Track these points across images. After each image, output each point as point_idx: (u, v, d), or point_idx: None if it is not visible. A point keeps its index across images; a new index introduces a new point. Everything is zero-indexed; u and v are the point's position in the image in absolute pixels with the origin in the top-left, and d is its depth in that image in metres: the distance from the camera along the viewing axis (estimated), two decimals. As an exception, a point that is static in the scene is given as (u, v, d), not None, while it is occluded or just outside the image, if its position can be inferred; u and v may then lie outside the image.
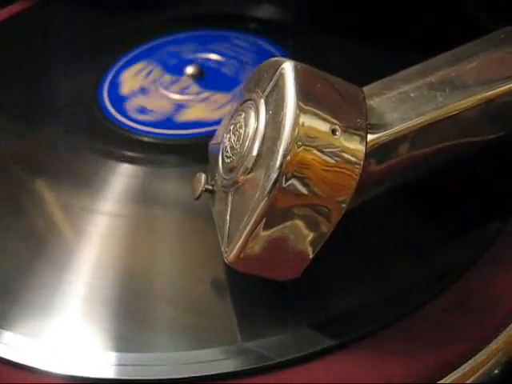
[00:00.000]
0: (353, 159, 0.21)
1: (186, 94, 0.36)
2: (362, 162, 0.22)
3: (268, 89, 0.23)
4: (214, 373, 0.22)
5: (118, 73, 0.38)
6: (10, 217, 0.30)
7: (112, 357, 0.23)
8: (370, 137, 0.22)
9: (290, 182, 0.21)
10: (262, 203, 0.21)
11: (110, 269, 0.27)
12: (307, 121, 0.21)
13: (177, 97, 0.35)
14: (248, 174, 0.22)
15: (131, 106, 0.35)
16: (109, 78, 0.37)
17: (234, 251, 0.22)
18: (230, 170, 0.24)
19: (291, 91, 0.21)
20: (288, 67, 0.22)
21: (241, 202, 0.23)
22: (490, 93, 0.24)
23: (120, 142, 0.33)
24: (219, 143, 0.26)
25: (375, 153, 0.23)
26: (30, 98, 0.37)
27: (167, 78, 0.37)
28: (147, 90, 0.36)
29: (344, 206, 0.22)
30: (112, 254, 0.27)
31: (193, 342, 0.24)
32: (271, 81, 0.23)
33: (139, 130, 0.33)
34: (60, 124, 0.35)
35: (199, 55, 0.38)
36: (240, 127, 0.24)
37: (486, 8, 0.37)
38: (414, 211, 0.27)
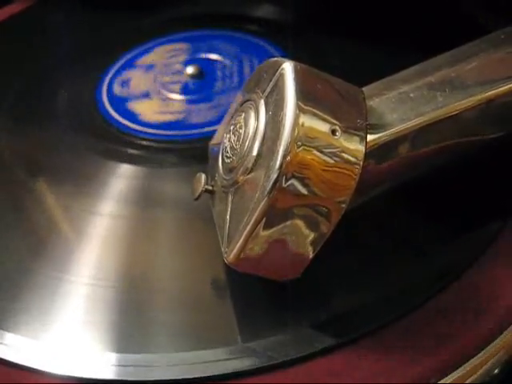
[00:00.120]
0: (352, 159, 0.21)
1: (186, 94, 0.36)
2: (361, 163, 0.22)
3: (268, 89, 0.23)
4: (214, 373, 0.22)
5: (118, 73, 0.38)
6: (10, 217, 0.30)
7: (113, 357, 0.23)
8: (369, 137, 0.22)
9: (289, 182, 0.21)
10: (262, 203, 0.21)
11: (110, 269, 0.27)
12: (307, 121, 0.21)
13: (176, 97, 0.35)
14: (248, 174, 0.22)
15: (131, 106, 0.35)
16: (109, 78, 0.37)
17: (234, 251, 0.22)
18: (229, 170, 0.24)
19: (291, 91, 0.21)
20: (288, 67, 0.22)
21: (241, 202, 0.23)
22: (490, 93, 0.24)
23: (120, 142, 0.33)
24: (219, 143, 0.26)
25: (375, 153, 0.23)
26: (30, 98, 0.37)
27: (167, 78, 0.37)
28: (147, 90, 0.36)
29: (344, 206, 0.22)
30: (112, 253, 0.27)
31: (193, 342, 0.24)
32: (271, 81, 0.23)
33: (139, 131, 0.33)
34: (60, 124, 0.35)
35: (199, 55, 0.38)
36: (240, 127, 0.24)
37: (486, 8, 0.37)
38: (414, 211, 0.27)
